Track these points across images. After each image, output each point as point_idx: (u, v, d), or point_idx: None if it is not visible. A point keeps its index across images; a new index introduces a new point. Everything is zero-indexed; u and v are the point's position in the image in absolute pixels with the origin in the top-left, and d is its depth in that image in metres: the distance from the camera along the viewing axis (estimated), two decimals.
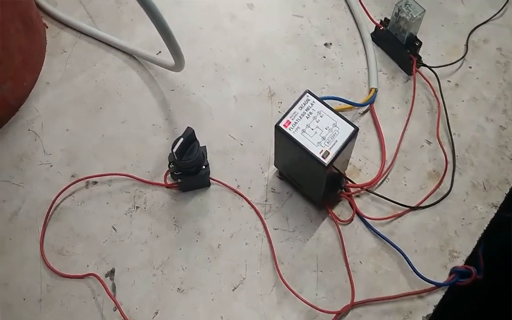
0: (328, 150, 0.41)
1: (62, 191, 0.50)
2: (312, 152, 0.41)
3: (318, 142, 0.42)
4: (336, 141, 0.42)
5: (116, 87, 0.57)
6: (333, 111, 0.43)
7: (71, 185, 0.50)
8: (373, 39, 0.58)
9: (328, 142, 0.42)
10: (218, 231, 0.48)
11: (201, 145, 0.47)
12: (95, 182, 0.51)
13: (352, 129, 0.42)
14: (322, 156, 0.41)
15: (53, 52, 0.60)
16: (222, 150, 0.52)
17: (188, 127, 0.45)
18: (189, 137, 0.45)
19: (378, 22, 0.57)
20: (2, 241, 0.48)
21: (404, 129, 0.53)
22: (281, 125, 0.43)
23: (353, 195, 0.49)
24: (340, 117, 0.43)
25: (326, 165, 0.41)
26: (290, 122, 0.43)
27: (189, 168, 0.47)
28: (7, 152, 0.53)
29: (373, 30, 0.58)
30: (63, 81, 0.58)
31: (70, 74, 0.58)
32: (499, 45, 0.59)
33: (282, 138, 0.43)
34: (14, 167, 0.52)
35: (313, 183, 0.46)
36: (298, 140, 0.42)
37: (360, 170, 0.51)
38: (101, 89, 0.57)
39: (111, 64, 0.59)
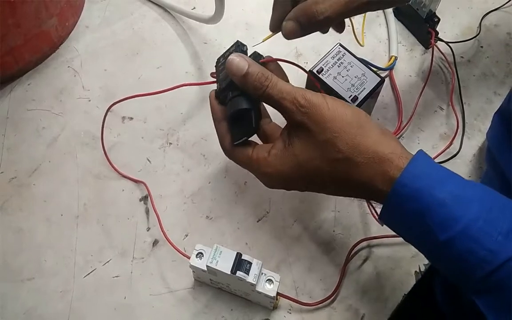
0: (357, 95, 0.45)
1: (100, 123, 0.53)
2: (342, 96, 0.45)
3: (348, 88, 0.46)
4: (364, 88, 0.46)
5: (152, 36, 0.61)
6: (362, 63, 0.47)
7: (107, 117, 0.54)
8: (394, 14, 0.63)
9: (357, 89, 0.46)
10: (245, 171, 0.52)
11: None
12: (131, 118, 0.55)
13: (379, 79, 0.47)
14: (351, 100, 0.45)
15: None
16: None
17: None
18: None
19: None
20: (42, 163, 0.51)
21: (420, 95, 0.57)
22: (314, 71, 0.47)
23: None
24: (368, 68, 0.47)
25: None
26: (323, 69, 0.47)
27: None
28: (48, 85, 0.56)
29: None
30: (102, 26, 0.61)
31: (109, 21, 0.62)
32: (509, 30, 0.63)
33: (315, 83, 0.47)
34: (55, 98, 0.56)
35: None
36: (330, 85, 0.46)
37: None
38: (138, 36, 0.61)
39: (147, 15, 0.63)
